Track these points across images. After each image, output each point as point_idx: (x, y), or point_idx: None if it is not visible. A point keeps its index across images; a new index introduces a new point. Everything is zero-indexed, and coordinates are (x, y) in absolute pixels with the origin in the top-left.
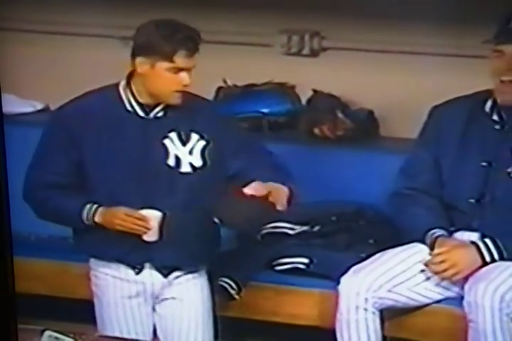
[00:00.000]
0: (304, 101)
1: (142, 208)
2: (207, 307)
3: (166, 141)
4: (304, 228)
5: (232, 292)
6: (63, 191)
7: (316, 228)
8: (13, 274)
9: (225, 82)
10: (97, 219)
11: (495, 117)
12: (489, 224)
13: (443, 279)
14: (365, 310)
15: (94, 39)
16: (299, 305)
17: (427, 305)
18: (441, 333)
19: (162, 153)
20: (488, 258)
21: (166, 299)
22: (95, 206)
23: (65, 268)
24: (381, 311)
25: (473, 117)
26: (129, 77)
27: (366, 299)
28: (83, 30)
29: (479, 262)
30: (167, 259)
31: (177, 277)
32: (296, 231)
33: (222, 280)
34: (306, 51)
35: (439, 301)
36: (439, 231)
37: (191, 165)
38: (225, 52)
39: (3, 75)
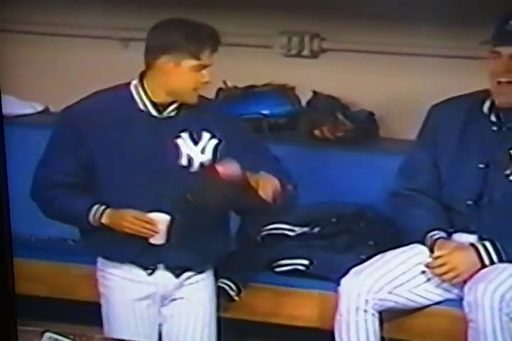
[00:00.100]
0: (304, 102)
1: (151, 211)
2: (213, 307)
3: (179, 141)
4: (304, 229)
5: (232, 293)
6: (71, 191)
7: (316, 229)
8: (13, 275)
9: (225, 83)
10: (104, 220)
11: (493, 118)
12: (487, 226)
13: (443, 281)
14: (365, 311)
15: (94, 40)
16: (299, 307)
17: (427, 306)
18: (441, 335)
19: (174, 153)
20: (487, 261)
21: (175, 299)
22: (103, 207)
23: (64, 269)
24: (380, 313)
25: (472, 117)
26: (142, 76)
27: (367, 300)
28: (82, 31)
29: (478, 265)
30: (180, 260)
31: (188, 277)
32: (296, 232)
33: (221, 282)
34: (306, 52)
35: (438, 303)
36: (438, 233)
37: (202, 164)
38: (225, 54)
39: (3, 76)
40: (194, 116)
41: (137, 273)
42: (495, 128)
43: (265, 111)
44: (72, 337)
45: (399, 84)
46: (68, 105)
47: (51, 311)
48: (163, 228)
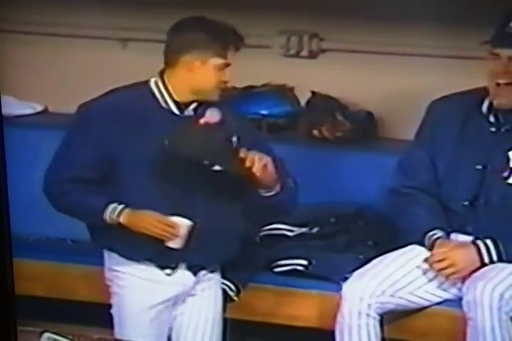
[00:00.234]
0: (302, 102)
1: (173, 214)
2: (220, 305)
3: None
4: (303, 229)
5: (231, 293)
6: (86, 186)
7: (315, 229)
8: (12, 276)
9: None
10: (121, 219)
11: (491, 118)
12: (483, 228)
13: (441, 276)
14: (368, 315)
15: (93, 41)
16: (298, 307)
17: (427, 307)
18: (441, 334)
19: None
20: (486, 260)
21: (189, 296)
22: (121, 206)
23: (63, 269)
24: (381, 315)
25: (470, 116)
26: (162, 74)
27: (369, 305)
28: (82, 31)
29: (478, 263)
30: (200, 258)
31: (204, 275)
32: (295, 232)
33: (221, 282)
34: (304, 53)
35: (438, 303)
36: (438, 233)
37: None
38: None
39: (2, 77)
40: None
41: (155, 272)
42: (493, 129)
43: (264, 112)
44: (70, 337)
45: (398, 84)
46: (85, 102)
47: (49, 311)
48: (184, 232)
